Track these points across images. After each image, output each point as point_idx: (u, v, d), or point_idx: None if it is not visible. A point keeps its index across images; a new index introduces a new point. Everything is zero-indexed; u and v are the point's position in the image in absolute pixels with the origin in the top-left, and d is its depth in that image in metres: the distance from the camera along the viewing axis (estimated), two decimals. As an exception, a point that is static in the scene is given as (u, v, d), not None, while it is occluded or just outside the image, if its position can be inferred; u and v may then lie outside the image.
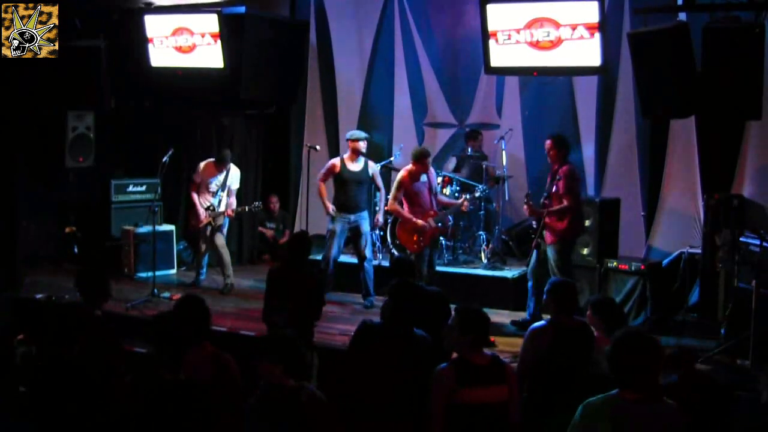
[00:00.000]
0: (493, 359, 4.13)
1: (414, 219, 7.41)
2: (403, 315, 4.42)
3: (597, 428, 3.27)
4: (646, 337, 3.36)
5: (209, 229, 8.58)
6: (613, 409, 3.27)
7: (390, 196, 7.65)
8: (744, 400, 5.50)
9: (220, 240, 8.62)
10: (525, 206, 7.16)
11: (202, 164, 8.60)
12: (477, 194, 8.26)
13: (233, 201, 8.61)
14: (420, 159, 7.48)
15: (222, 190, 8.54)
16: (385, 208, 7.91)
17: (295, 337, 3.86)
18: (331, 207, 7.96)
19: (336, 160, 8.10)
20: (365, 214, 8.04)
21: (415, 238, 7.45)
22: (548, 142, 7.17)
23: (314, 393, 3.76)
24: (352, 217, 7.92)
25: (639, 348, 3.27)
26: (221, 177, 8.53)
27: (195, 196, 8.56)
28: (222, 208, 8.52)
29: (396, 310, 4.44)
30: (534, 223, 7.35)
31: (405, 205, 7.54)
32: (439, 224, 7.60)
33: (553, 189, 7.02)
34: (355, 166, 7.95)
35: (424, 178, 7.59)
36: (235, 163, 9.54)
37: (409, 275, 5.37)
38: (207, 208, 8.53)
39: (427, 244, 7.49)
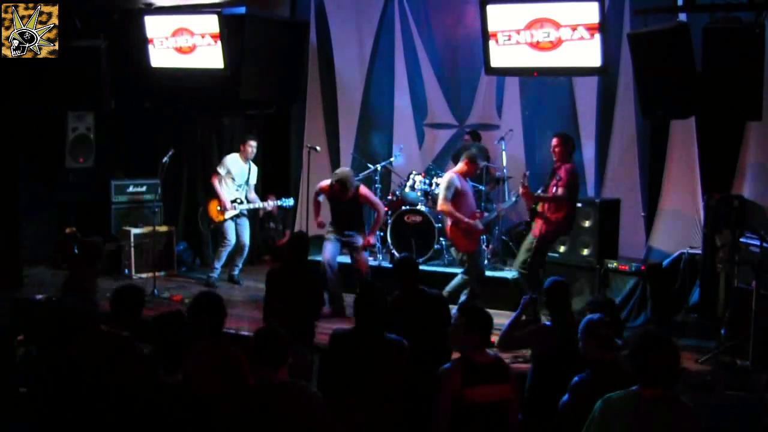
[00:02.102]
0: (496, 359, 4.16)
1: (466, 219, 7.23)
2: (369, 320, 4.44)
3: (616, 424, 3.36)
4: (663, 336, 3.47)
5: (239, 223, 8.66)
6: (635, 404, 3.35)
7: (440, 196, 7.36)
8: (744, 400, 5.50)
9: (247, 237, 8.76)
10: (521, 187, 7.13)
11: (228, 156, 8.74)
12: (514, 199, 8.24)
13: (255, 196, 8.81)
14: (475, 161, 7.39)
15: (247, 186, 8.71)
16: (438, 209, 7.56)
17: (279, 331, 3.84)
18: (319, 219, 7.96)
19: (326, 183, 7.79)
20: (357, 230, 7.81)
21: (467, 239, 7.32)
22: (555, 140, 7.11)
23: (311, 390, 3.75)
24: (347, 232, 7.76)
25: (659, 346, 3.38)
26: (246, 170, 8.68)
27: (218, 186, 8.61)
28: (250, 205, 8.66)
29: (361, 316, 4.46)
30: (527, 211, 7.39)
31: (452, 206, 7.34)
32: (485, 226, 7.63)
33: (553, 181, 7.01)
34: (344, 198, 7.67)
35: (469, 180, 7.52)
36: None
37: (414, 275, 5.36)
38: (233, 201, 8.61)
39: (478, 245, 7.47)
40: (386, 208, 8.54)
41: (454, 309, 4.68)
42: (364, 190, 7.79)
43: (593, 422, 3.41)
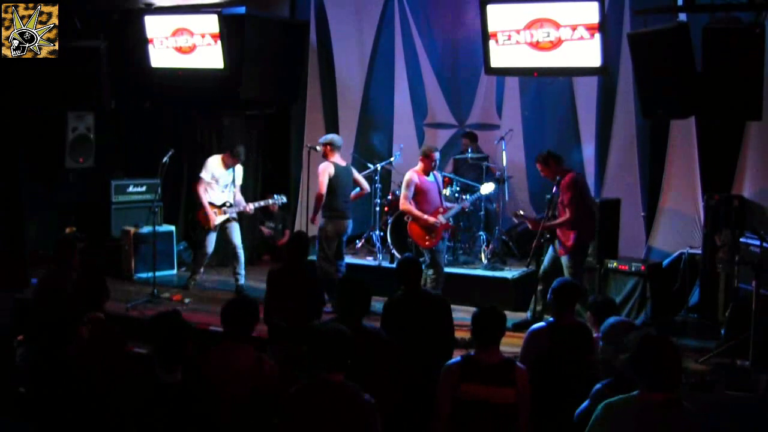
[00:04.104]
0: (505, 361, 4.16)
1: (425, 216, 7.43)
2: (348, 310, 4.53)
3: (619, 429, 3.30)
4: (664, 338, 3.42)
5: (228, 227, 8.40)
6: (636, 410, 3.30)
7: (401, 196, 7.63)
8: (744, 400, 5.50)
9: (238, 239, 8.47)
10: (529, 224, 7.30)
11: (210, 160, 8.38)
12: (486, 192, 8.28)
13: (241, 198, 8.50)
14: (427, 154, 7.51)
15: (233, 186, 8.44)
16: (400, 208, 7.78)
17: (347, 336, 3.84)
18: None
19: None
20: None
21: (426, 235, 7.49)
22: (538, 166, 7.20)
23: (365, 395, 3.71)
24: None
25: (662, 349, 3.33)
26: (231, 172, 8.40)
27: (203, 195, 8.29)
28: (238, 206, 8.38)
29: (341, 306, 4.58)
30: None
31: (414, 204, 7.50)
32: (449, 221, 7.64)
33: (559, 200, 7.03)
34: None
35: (432, 177, 7.59)
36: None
37: (416, 276, 5.35)
38: (222, 205, 8.36)
39: (439, 240, 7.53)
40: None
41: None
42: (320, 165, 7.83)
43: (594, 428, 3.36)
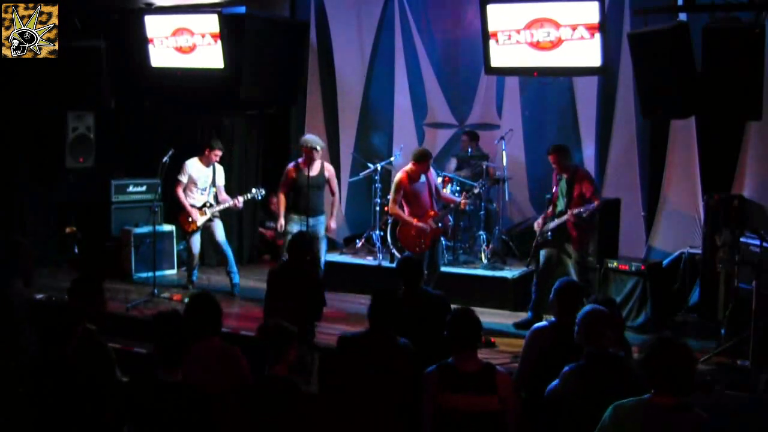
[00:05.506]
0: (485, 367, 4.09)
1: (414, 222, 7.37)
2: (382, 324, 4.42)
3: (627, 431, 3.30)
4: (680, 342, 3.41)
5: (211, 226, 8.41)
6: (646, 413, 3.29)
7: (390, 199, 7.58)
8: (744, 400, 5.50)
9: (222, 236, 8.49)
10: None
11: (187, 162, 8.39)
12: (476, 190, 8.22)
13: (227, 196, 8.50)
14: (421, 160, 7.42)
15: (213, 186, 8.44)
16: (386, 210, 7.84)
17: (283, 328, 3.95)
18: (281, 222, 7.95)
19: (291, 165, 8.04)
20: (322, 218, 7.95)
21: (416, 241, 7.41)
22: (552, 156, 7.16)
23: (301, 389, 3.83)
24: (311, 221, 7.75)
25: (675, 353, 3.32)
26: (210, 173, 8.41)
27: (183, 196, 8.35)
28: (222, 205, 8.40)
29: (375, 319, 4.43)
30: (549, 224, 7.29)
31: (405, 207, 7.49)
32: (440, 225, 7.57)
33: (575, 193, 7.05)
34: (312, 171, 7.82)
35: (423, 178, 7.53)
36: (235, 164, 9.52)
37: (416, 275, 5.35)
38: (203, 206, 8.39)
39: (429, 246, 7.47)
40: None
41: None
42: (329, 166, 7.87)
43: (603, 430, 3.37)
